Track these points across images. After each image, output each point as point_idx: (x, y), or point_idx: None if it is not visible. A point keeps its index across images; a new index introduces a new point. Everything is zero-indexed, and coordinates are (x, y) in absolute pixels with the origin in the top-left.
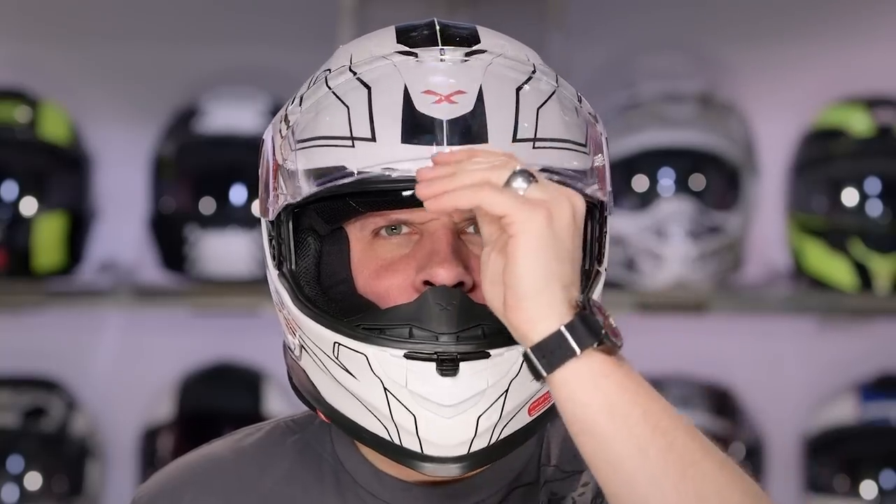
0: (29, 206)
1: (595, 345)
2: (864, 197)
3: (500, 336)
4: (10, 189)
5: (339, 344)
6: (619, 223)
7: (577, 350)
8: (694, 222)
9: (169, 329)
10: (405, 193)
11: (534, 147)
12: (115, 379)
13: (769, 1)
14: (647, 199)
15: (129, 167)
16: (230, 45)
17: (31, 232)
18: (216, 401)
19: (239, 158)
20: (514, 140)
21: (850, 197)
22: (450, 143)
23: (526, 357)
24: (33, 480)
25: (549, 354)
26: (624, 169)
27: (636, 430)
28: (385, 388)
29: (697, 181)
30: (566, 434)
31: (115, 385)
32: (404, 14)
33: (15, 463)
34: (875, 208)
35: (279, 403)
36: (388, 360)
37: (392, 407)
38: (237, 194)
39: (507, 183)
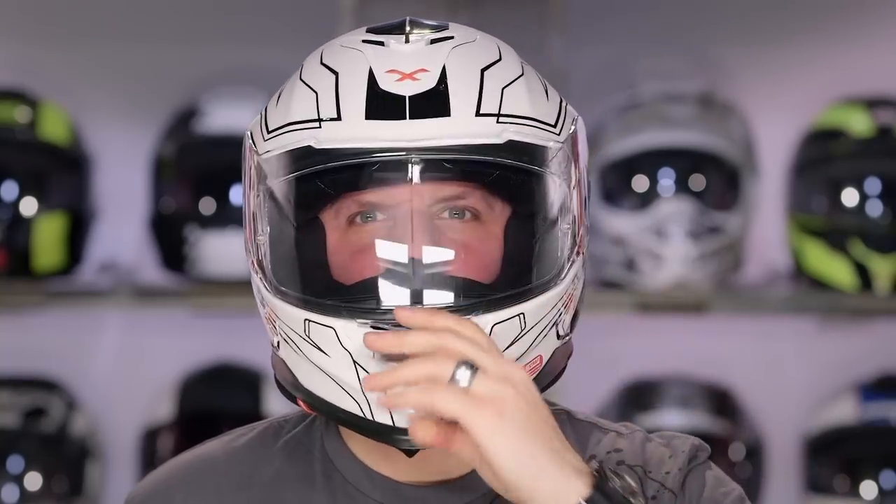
0: (29, 206)
1: None
2: (864, 197)
3: (467, 303)
4: (10, 189)
5: (309, 321)
6: (619, 223)
7: None
8: (694, 222)
9: (169, 329)
10: (369, 168)
11: (497, 122)
12: (115, 379)
13: (769, 2)
14: (647, 199)
15: (129, 167)
16: (230, 45)
17: (31, 232)
18: (216, 401)
19: (239, 159)
20: (478, 114)
21: (850, 197)
22: (413, 118)
23: None
24: (33, 480)
25: None
26: (624, 169)
27: None
28: (354, 361)
29: (697, 181)
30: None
31: (115, 385)
32: (404, 14)
33: (15, 463)
34: (875, 208)
35: (279, 403)
36: (355, 331)
37: (362, 379)
38: (237, 194)
39: (452, 377)
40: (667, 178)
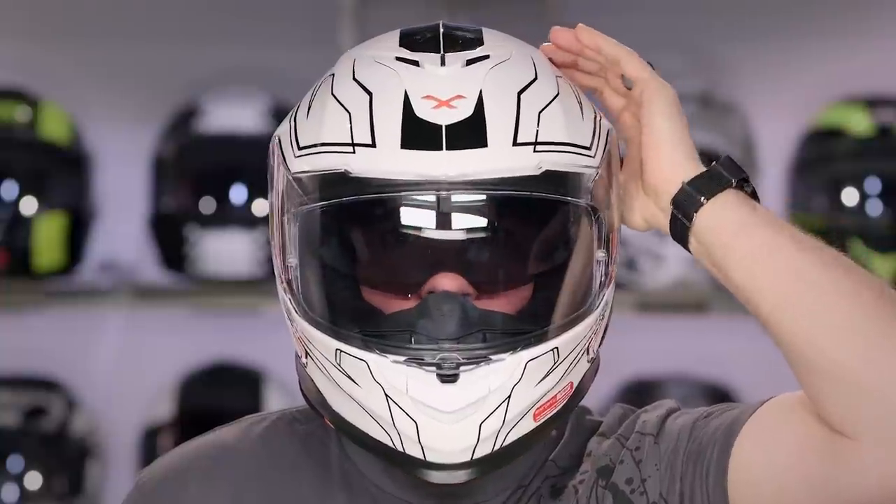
0: (29, 205)
1: (743, 180)
2: (864, 197)
3: (502, 342)
4: (10, 189)
5: (341, 351)
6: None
7: (733, 180)
8: None
9: (169, 329)
10: (404, 201)
11: (535, 150)
12: (115, 379)
13: (769, 1)
14: None
15: (129, 167)
16: (230, 45)
17: (31, 232)
18: (216, 401)
19: (239, 158)
20: (515, 143)
21: (850, 197)
22: (449, 148)
23: (680, 196)
24: (33, 480)
25: (705, 186)
26: None
27: (794, 234)
28: (386, 395)
29: None
30: (566, 433)
31: (115, 385)
32: (404, 13)
33: (15, 463)
34: (875, 208)
35: (279, 403)
36: (388, 366)
37: (394, 414)
38: (237, 194)
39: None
40: None
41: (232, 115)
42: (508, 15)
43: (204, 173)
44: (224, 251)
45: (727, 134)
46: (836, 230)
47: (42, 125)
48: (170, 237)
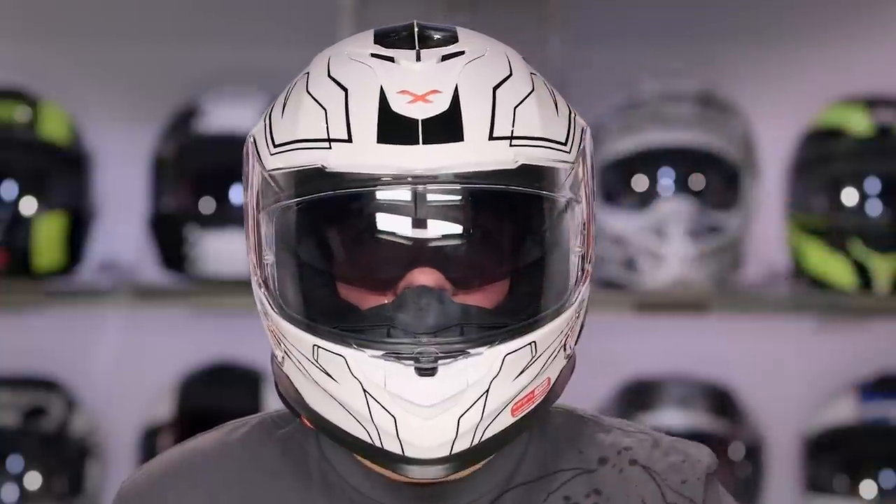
0: (29, 206)
1: None
2: (863, 197)
3: (480, 335)
4: (10, 189)
5: (318, 346)
6: (619, 223)
7: None
8: (693, 222)
9: (169, 329)
10: (381, 195)
11: (510, 145)
12: (115, 379)
13: (770, 2)
14: (647, 198)
15: (129, 167)
16: (230, 45)
17: (31, 232)
18: (216, 401)
19: (239, 158)
20: (491, 138)
21: (849, 197)
22: (425, 143)
23: None
24: (33, 480)
25: None
26: (623, 169)
27: None
28: (364, 390)
29: (697, 181)
30: (565, 433)
31: (115, 385)
32: (403, 14)
33: (15, 463)
34: (875, 208)
35: (279, 403)
36: (366, 361)
37: (372, 409)
38: (237, 194)
39: None
40: (666, 178)
41: (232, 115)
42: (508, 16)
43: (204, 173)
44: (224, 251)
45: (727, 134)
46: (836, 230)
47: (42, 125)
48: (170, 237)
